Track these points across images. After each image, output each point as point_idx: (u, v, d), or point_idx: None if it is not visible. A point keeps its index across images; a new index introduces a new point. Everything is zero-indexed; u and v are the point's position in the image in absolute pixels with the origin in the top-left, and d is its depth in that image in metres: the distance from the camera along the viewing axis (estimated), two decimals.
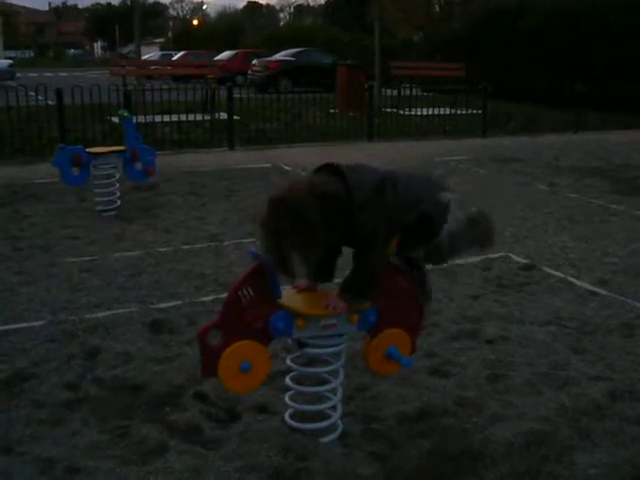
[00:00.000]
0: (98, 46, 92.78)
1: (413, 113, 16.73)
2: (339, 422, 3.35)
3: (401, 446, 3.28)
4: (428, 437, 3.35)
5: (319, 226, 2.82)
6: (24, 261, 6.06)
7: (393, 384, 3.80)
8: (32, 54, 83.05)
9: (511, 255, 6.30)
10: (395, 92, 18.56)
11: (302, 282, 3.28)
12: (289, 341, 3.33)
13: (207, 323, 3.12)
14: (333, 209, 2.87)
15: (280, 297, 3.08)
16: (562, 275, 5.79)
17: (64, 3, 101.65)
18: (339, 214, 2.90)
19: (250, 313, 3.02)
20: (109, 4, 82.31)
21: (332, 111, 15.62)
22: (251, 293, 3.01)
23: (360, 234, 3.02)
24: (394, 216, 3.08)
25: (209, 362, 3.02)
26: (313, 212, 2.80)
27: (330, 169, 3.02)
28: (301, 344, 3.23)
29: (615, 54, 20.02)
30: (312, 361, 3.47)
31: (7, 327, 4.61)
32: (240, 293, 3.00)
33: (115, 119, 12.57)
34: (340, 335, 3.23)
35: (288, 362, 3.37)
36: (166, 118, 13.60)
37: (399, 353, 3.35)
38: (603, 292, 5.40)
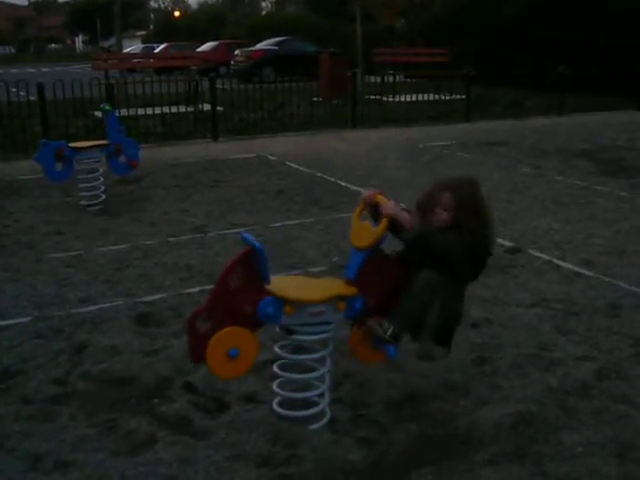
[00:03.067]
0: (79, 40, 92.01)
1: (397, 100, 16.71)
2: (327, 409, 3.36)
3: (389, 431, 3.30)
4: (416, 421, 3.38)
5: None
6: (9, 258, 6.03)
7: (380, 370, 3.81)
8: (12, 50, 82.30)
9: (496, 238, 6.31)
10: (379, 79, 18.53)
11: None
12: (277, 329, 3.33)
13: (198, 307, 3.12)
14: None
15: (269, 283, 3.09)
16: (547, 257, 5.82)
17: None
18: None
19: (239, 298, 3.03)
20: None
21: (315, 99, 15.58)
22: (240, 278, 3.01)
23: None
24: None
25: (197, 347, 3.03)
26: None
27: None
28: (289, 331, 3.24)
29: (599, 37, 20.05)
30: (300, 349, 3.48)
31: None
32: (230, 278, 3.00)
33: (98, 113, 12.50)
34: (328, 323, 3.24)
35: (276, 349, 3.37)
36: (149, 111, 13.52)
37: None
38: (588, 273, 5.43)
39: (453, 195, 3.36)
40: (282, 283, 3.24)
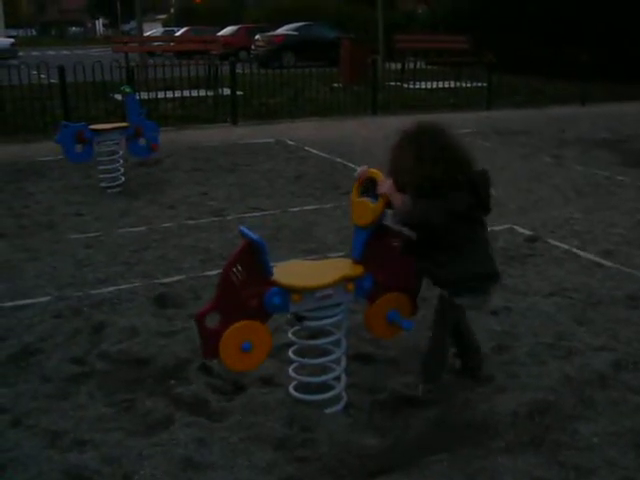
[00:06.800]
0: (100, 23, 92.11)
1: (417, 87, 16.61)
2: (343, 393, 3.37)
3: (405, 417, 3.29)
4: (432, 408, 3.37)
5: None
6: (29, 238, 6.07)
7: (397, 355, 3.81)
8: (34, 32, 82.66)
9: (516, 227, 6.28)
10: (399, 66, 18.42)
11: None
12: (288, 316, 3.32)
13: (204, 307, 3.10)
14: None
15: (272, 274, 3.07)
16: (567, 247, 5.78)
17: None
18: None
19: (244, 292, 3.01)
20: None
21: (336, 85, 15.53)
22: (242, 272, 2.99)
23: None
24: None
25: (209, 345, 3.01)
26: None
27: None
28: (300, 318, 3.23)
29: (622, 24, 19.80)
30: (315, 333, 3.48)
31: (14, 303, 4.63)
32: (232, 273, 2.98)
33: (118, 96, 12.53)
34: (337, 305, 3.23)
35: (290, 335, 3.37)
36: (169, 94, 13.54)
37: (399, 316, 3.36)
38: (608, 263, 5.38)
39: (389, 175, 3.21)
40: (286, 271, 3.20)
